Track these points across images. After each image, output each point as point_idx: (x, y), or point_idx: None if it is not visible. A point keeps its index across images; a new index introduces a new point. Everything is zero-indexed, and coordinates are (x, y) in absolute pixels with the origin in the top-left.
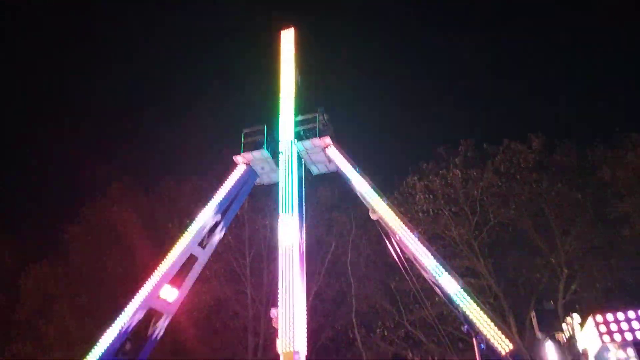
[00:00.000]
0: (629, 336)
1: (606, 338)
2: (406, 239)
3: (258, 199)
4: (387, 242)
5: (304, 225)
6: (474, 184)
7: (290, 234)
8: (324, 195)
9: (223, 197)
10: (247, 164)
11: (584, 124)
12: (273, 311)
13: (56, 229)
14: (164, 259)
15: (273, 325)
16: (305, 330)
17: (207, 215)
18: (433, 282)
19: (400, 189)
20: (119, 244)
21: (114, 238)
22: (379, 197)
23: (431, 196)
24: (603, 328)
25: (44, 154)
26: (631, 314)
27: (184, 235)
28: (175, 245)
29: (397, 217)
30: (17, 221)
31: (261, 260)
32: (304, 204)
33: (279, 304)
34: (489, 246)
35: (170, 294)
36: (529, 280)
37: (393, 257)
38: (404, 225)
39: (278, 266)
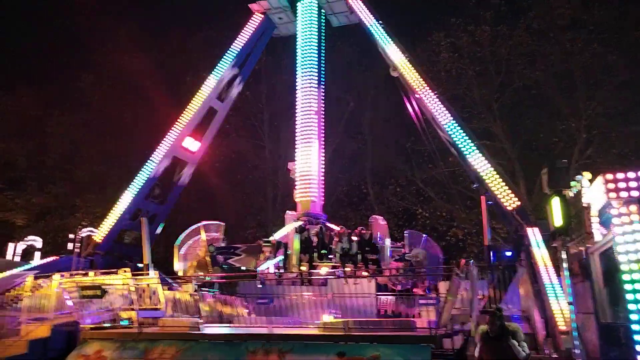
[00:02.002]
0: (634, 193)
1: (612, 195)
2: (426, 98)
3: (276, 53)
4: (405, 100)
5: (323, 81)
6: (503, 42)
7: (308, 89)
8: (344, 50)
9: (240, 48)
10: (264, 13)
11: None
12: (291, 164)
13: (72, 79)
14: (185, 111)
15: (291, 176)
16: (322, 182)
17: (224, 68)
18: (448, 142)
19: (424, 46)
20: (136, 93)
21: (130, 87)
22: (401, 54)
23: (456, 55)
24: (611, 185)
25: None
26: None
27: (202, 88)
28: (195, 98)
29: (418, 75)
30: (37, 73)
31: (279, 116)
32: (323, 58)
33: (296, 156)
34: (509, 108)
35: (193, 144)
36: (545, 143)
37: (411, 115)
38: (424, 84)
39: (296, 121)
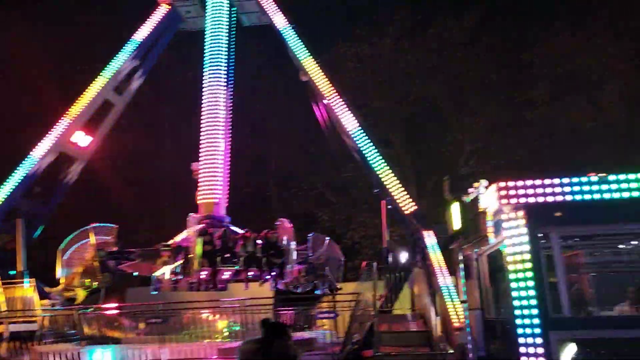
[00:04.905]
0: (522, 200)
1: (503, 201)
2: (334, 104)
3: (182, 47)
4: (313, 105)
5: (232, 80)
6: (403, 56)
7: (215, 86)
8: (254, 51)
9: (142, 39)
10: (171, 5)
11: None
12: (194, 165)
13: None
14: (75, 103)
15: (194, 177)
16: (227, 184)
17: (123, 59)
18: (353, 148)
19: (329, 54)
20: (20, 82)
21: (13, 74)
22: (311, 59)
23: (359, 65)
24: (503, 192)
25: None
26: (528, 182)
27: (97, 79)
28: (88, 89)
29: (327, 81)
30: None
31: (182, 114)
32: (232, 57)
33: (201, 157)
34: (406, 119)
35: (83, 139)
36: (434, 153)
37: (318, 120)
38: (333, 90)
39: (200, 120)
